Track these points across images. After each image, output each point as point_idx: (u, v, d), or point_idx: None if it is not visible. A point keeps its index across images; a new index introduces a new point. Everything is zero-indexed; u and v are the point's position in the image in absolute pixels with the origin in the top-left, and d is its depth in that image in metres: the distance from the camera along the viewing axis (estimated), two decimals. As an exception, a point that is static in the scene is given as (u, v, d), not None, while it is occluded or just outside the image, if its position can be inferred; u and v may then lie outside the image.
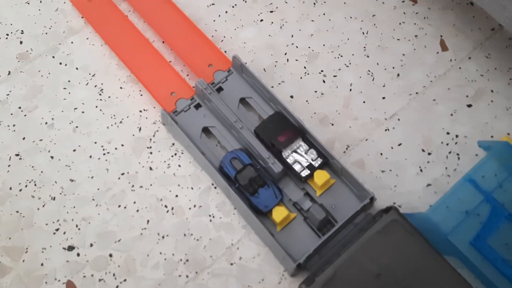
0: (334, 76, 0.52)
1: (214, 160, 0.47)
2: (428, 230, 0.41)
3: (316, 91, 0.52)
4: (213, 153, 0.47)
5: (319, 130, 0.49)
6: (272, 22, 0.55)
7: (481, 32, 0.55)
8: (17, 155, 0.48)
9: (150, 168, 0.48)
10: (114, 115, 0.50)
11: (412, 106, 0.51)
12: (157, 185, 0.47)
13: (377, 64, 0.53)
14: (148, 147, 0.49)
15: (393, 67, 0.53)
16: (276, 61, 0.53)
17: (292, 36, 0.54)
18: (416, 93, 0.51)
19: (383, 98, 0.51)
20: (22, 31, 0.54)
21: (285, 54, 0.53)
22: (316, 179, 0.44)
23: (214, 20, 0.55)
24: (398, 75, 0.52)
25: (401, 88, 0.52)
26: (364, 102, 0.51)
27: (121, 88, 0.52)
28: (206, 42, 0.53)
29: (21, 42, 0.54)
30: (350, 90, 0.52)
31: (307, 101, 0.51)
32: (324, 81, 0.52)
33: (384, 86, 0.52)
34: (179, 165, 0.48)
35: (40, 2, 0.56)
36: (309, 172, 0.45)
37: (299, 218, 0.44)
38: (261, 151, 0.45)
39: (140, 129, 0.50)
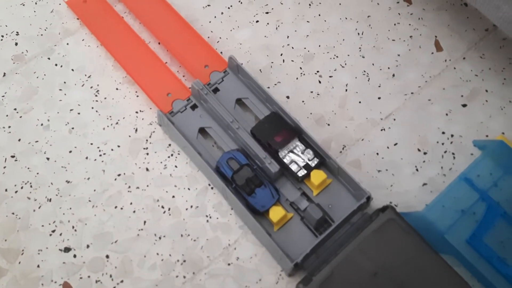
0: (330, 76, 0.53)
1: (211, 160, 0.47)
2: (425, 229, 0.42)
3: (312, 92, 0.52)
4: (210, 154, 0.47)
5: (315, 130, 0.49)
6: (267, 23, 0.55)
7: (475, 32, 0.55)
8: (12, 156, 0.48)
9: (147, 169, 0.48)
10: (110, 116, 0.50)
11: (407, 106, 0.51)
12: (154, 186, 0.47)
13: (373, 64, 0.53)
14: (144, 148, 0.49)
15: (389, 68, 0.53)
16: (272, 62, 0.53)
17: (288, 37, 0.55)
18: (412, 93, 0.52)
19: (379, 98, 0.52)
20: (17, 32, 0.54)
21: (281, 55, 0.54)
22: (312, 179, 0.44)
23: (209, 21, 0.55)
24: (393, 75, 0.53)
25: (397, 88, 0.52)
26: (360, 102, 0.51)
27: (117, 89, 0.52)
28: (202, 43, 0.53)
29: (16, 44, 0.54)
30: (346, 90, 0.52)
31: (303, 101, 0.51)
32: (320, 82, 0.52)
33: (379, 86, 0.52)
34: (176, 166, 0.48)
35: (35, 3, 0.56)
36: (305, 172, 0.45)
37: (296, 218, 0.44)
38: (258, 151, 0.45)
39: (136, 130, 0.49)
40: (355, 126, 0.50)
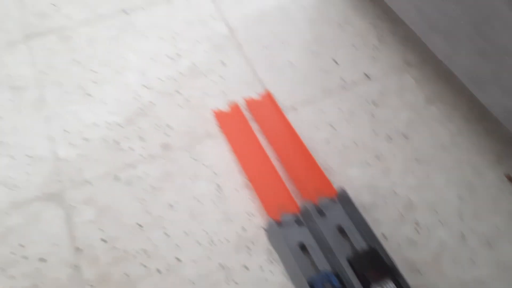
0: (428, 229, 0.56)
1: (306, 276, 0.50)
2: None
3: (409, 238, 0.55)
4: (306, 269, 0.51)
5: (407, 275, 0.52)
6: (377, 167, 0.62)
7: None
8: (139, 225, 0.56)
9: (245, 267, 0.52)
10: (225, 212, 0.57)
11: (502, 277, 0.52)
12: (249, 284, 0.51)
13: (470, 229, 0.56)
14: (248, 248, 0.54)
15: (486, 236, 0.56)
16: (375, 201, 0.59)
17: (394, 183, 0.60)
18: (507, 266, 0.53)
19: (473, 262, 0.54)
20: (170, 126, 0.66)
21: (384, 197, 0.59)
22: (400, 321, 0.46)
23: (327, 154, 0.63)
24: (490, 245, 0.55)
25: (492, 258, 0.54)
26: (453, 261, 0.54)
27: (236, 190, 0.59)
28: (317, 170, 0.60)
29: (167, 135, 0.65)
30: (441, 246, 0.55)
31: (399, 244, 0.55)
32: (417, 231, 0.56)
33: (474, 251, 0.54)
34: (272, 272, 0.52)
35: (190, 108, 0.68)
36: (394, 312, 0.47)
37: None
38: (352, 279, 0.49)
39: (245, 230, 0.56)
40: (447, 283, 0.52)
